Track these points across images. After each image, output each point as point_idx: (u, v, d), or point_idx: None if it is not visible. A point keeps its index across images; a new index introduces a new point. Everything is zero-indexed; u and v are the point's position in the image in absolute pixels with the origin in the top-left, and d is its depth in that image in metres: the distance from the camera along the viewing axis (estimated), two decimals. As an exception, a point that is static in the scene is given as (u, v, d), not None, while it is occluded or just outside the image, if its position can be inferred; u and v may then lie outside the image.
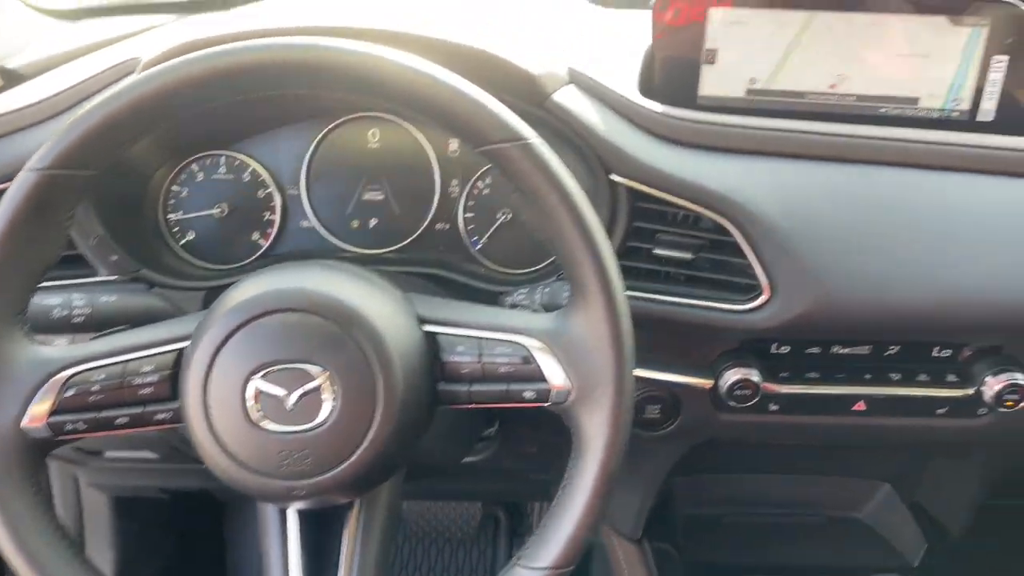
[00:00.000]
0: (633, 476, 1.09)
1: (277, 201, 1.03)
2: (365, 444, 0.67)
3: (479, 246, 1.03)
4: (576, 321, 0.70)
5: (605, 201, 0.90)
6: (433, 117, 0.68)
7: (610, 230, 0.91)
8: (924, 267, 0.84)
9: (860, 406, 0.94)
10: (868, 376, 0.93)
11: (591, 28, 1.14)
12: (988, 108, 1.01)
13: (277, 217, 1.03)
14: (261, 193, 1.03)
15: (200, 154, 1.02)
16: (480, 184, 1.03)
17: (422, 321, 0.73)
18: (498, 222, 1.02)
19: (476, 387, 0.72)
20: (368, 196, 1.04)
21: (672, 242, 0.90)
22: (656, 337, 0.95)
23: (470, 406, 0.73)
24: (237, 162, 1.02)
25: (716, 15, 1.01)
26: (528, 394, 0.71)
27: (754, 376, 0.90)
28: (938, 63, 1.00)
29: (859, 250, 0.84)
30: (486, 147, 0.68)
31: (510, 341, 0.71)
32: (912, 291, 0.83)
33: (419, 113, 0.68)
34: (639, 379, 0.94)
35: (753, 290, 0.86)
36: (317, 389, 0.66)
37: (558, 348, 0.70)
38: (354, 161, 1.03)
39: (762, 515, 1.27)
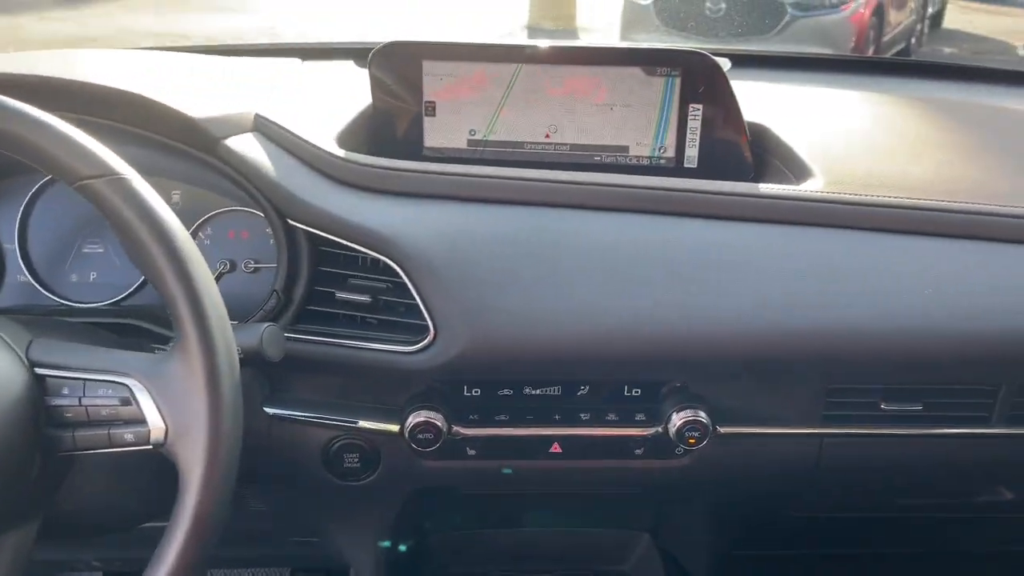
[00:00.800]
0: (353, 531, 1.07)
1: None
2: None
3: (200, 297, 1.02)
4: (174, 359, 0.69)
5: (284, 245, 0.90)
6: (22, 154, 0.69)
7: (294, 274, 0.91)
8: (584, 306, 0.84)
9: (556, 448, 0.94)
10: (558, 417, 0.93)
11: (346, 87, 1.15)
12: (691, 155, 1.04)
13: None
14: None
15: (-93, 210, 1.01)
16: (201, 235, 1.02)
17: (35, 365, 0.72)
18: (217, 271, 1.01)
19: (80, 432, 0.71)
20: (88, 249, 1.03)
21: (355, 286, 0.90)
22: (347, 382, 0.94)
23: (78, 453, 0.71)
24: None
25: (430, 68, 1.04)
26: (128, 436, 0.69)
27: (438, 419, 0.89)
28: (641, 112, 1.04)
29: (520, 290, 0.84)
30: (78, 183, 0.68)
31: (112, 382, 0.70)
32: (569, 328, 0.84)
33: (9, 151, 0.68)
34: (331, 426, 0.94)
35: (425, 331, 0.86)
36: None
37: (155, 388, 0.69)
38: (73, 215, 1.03)
39: (529, 571, 1.24)
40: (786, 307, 0.86)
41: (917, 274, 0.86)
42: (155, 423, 0.69)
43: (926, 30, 7.98)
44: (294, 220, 0.89)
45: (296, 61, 1.26)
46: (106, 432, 0.70)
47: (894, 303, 0.85)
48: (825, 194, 0.91)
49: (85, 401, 0.70)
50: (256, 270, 1.01)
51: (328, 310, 0.91)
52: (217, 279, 1.01)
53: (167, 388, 0.69)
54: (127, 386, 0.70)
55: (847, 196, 0.90)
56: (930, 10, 7.68)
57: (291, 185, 0.88)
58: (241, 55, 1.29)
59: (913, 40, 7.52)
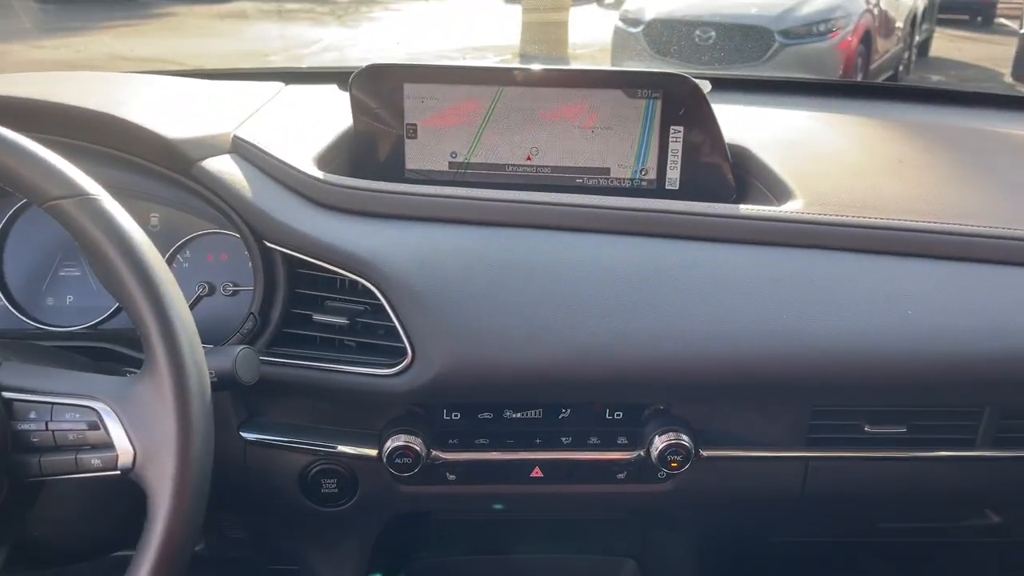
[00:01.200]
0: (332, 558, 1.05)
1: None
2: None
3: (178, 321, 1.01)
4: (144, 382, 0.68)
5: (260, 267, 0.89)
6: None
7: (270, 297, 0.90)
8: (564, 327, 0.83)
9: (537, 473, 0.92)
10: (539, 441, 0.91)
11: (328, 111, 1.15)
12: (673, 177, 1.04)
13: None
14: None
15: None
16: (180, 257, 1.01)
17: (2, 388, 0.70)
18: (196, 294, 1.00)
19: (47, 457, 0.69)
20: (64, 272, 1.02)
21: (333, 308, 0.89)
22: (325, 406, 0.93)
23: (45, 479, 0.70)
24: None
25: (411, 91, 1.04)
26: (96, 462, 0.68)
27: (416, 444, 0.88)
28: (622, 135, 1.04)
29: (498, 311, 0.83)
30: (46, 204, 0.68)
31: (79, 405, 0.69)
32: (548, 349, 0.83)
33: None
34: (308, 451, 0.93)
35: (403, 354, 0.85)
36: None
37: (124, 411, 0.68)
38: (50, 237, 1.02)
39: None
40: (767, 328, 0.85)
41: (898, 295, 0.86)
42: (123, 448, 0.67)
43: (913, 58, 8.07)
44: (270, 241, 0.88)
45: (279, 84, 1.26)
46: (73, 457, 0.68)
47: (875, 324, 0.84)
48: (806, 215, 0.90)
49: (52, 426, 0.69)
50: (235, 293, 1.00)
51: (305, 333, 0.90)
52: (195, 302, 1.00)
53: (136, 412, 0.68)
54: (95, 410, 0.68)
55: (828, 217, 0.90)
56: (917, 38, 7.76)
57: (267, 206, 0.88)
58: (224, 79, 1.29)
59: (901, 68, 7.60)
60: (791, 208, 0.92)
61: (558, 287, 0.85)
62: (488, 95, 1.03)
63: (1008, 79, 6.54)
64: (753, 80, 1.47)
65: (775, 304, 0.86)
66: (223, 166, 0.90)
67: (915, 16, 7.30)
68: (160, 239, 1.00)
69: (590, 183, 1.06)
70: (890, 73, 7.19)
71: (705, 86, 1.00)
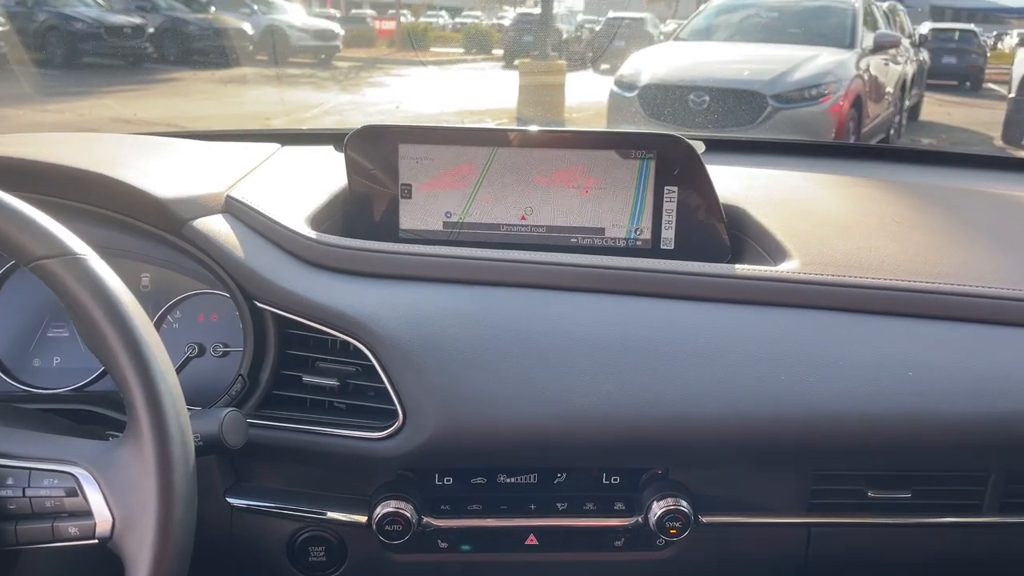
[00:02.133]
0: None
1: None
2: None
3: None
4: (125, 446, 0.66)
5: (250, 328, 0.88)
6: None
7: (260, 358, 0.88)
8: (558, 388, 0.82)
9: (532, 540, 0.89)
10: (534, 507, 0.89)
11: (323, 171, 1.15)
12: (668, 237, 1.04)
13: None
14: None
15: None
16: (170, 318, 1.00)
17: None
18: (185, 355, 0.98)
19: (23, 525, 0.67)
20: (52, 334, 1.01)
21: (324, 369, 0.88)
22: (314, 471, 0.91)
23: (21, 547, 0.67)
24: None
25: (406, 151, 1.04)
26: (73, 530, 0.65)
27: (407, 510, 0.85)
28: (616, 195, 1.04)
29: (491, 373, 0.82)
30: (31, 263, 0.67)
31: (58, 471, 0.67)
32: (542, 412, 0.81)
33: None
34: (296, 517, 0.90)
35: (394, 416, 0.83)
36: None
37: (104, 477, 0.66)
38: (39, 298, 1.01)
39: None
40: (764, 389, 0.83)
41: (898, 356, 0.84)
42: (101, 515, 0.65)
43: (904, 122, 8.20)
44: (260, 301, 0.87)
45: (275, 146, 1.26)
46: (50, 525, 0.66)
47: (875, 385, 0.82)
48: (802, 275, 0.89)
49: (29, 492, 0.66)
50: (225, 354, 0.98)
51: (295, 395, 0.88)
52: (185, 363, 0.99)
53: (116, 478, 0.65)
54: (74, 475, 0.66)
55: (825, 277, 0.89)
56: (907, 103, 7.90)
57: (258, 266, 0.87)
58: (221, 140, 1.29)
59: (892, 131, 7.72)
60: (787, 268, 0.91)
61: (552, 348, 0.84)
62: (483, 156, 1.04)
63: (998, 142, 6.63)
64: (746, 141, 1.48)
65: (772, 365, 0.84)
66: (215, 226, 0.89)
67: (905, 81, 7.44)
68: (151, 299, 0.99)
69: (585, 243, 1.05)
70: (882, 136, 7.29)
71: (699, 147, 1.00)
